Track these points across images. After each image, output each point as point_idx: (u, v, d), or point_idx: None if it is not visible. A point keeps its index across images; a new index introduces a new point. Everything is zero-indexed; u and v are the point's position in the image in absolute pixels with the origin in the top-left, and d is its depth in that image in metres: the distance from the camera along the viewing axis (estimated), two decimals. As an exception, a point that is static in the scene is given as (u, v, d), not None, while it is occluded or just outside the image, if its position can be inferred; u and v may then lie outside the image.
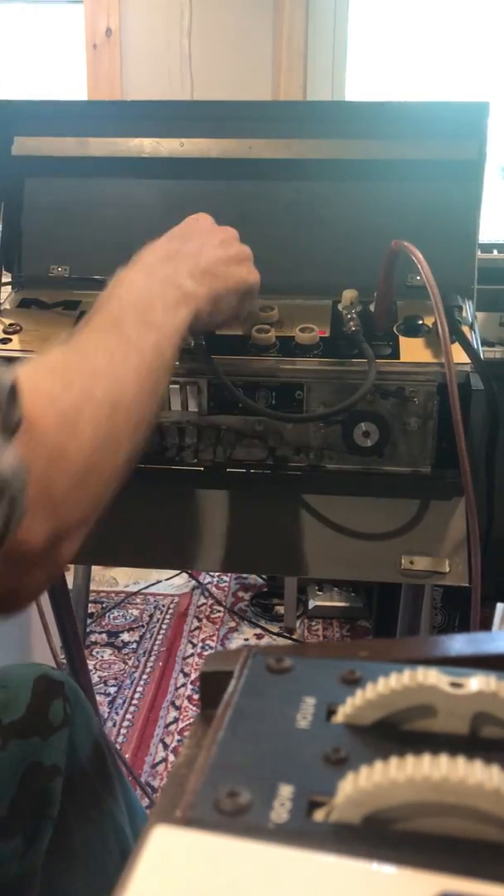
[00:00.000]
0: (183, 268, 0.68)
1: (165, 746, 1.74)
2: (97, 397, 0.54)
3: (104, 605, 2.27)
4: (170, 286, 0.66)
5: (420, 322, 0.81)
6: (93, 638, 2.11)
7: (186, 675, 1.97)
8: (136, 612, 2.25)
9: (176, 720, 1.82)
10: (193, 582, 2.37)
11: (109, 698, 1.88)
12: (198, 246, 0.71)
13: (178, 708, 1.86)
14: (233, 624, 2.20)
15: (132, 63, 2.22)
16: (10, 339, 0.83)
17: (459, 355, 0.76)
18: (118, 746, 1.69)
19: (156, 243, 0.70)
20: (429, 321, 0.80)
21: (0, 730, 0.75)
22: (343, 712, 0.31)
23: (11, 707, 0.77)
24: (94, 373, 0.56)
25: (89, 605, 2.05)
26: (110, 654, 2.06)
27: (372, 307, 0.82)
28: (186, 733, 1.72)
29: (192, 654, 2.06)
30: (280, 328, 0.82)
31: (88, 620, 2.11)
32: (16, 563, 0.48)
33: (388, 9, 2.23)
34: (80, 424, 0.52)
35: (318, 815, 0.27)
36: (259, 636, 2.15)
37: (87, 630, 2.09)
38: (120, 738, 1.75)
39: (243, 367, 0.79)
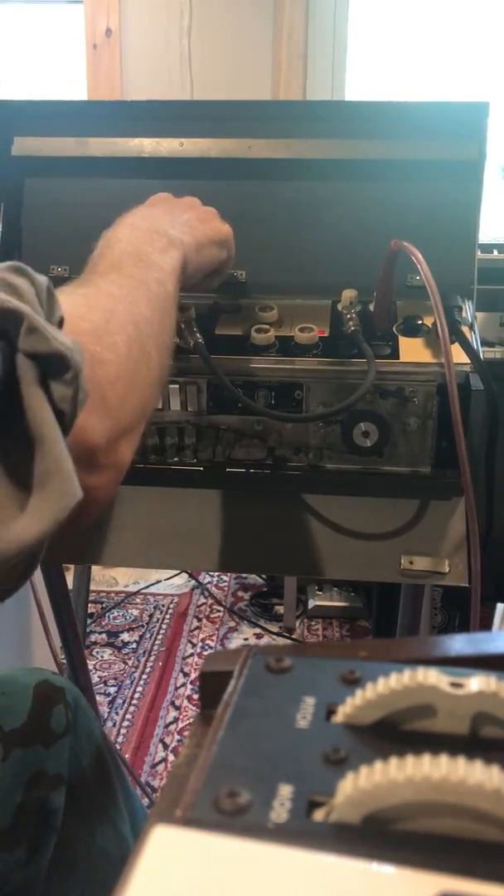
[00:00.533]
0: (163, 222, 0.71)
1: (165, 746, 1.74)
2: (120, 314, 0.57)
3: (104, 605, 2.27)
4: (156, 235, 0.68)
5: (420, 322, 0.81)
6: (93, 638, 2.11)
7: (186, 674, 1.97)
8: (135, 612, 2.25)
9: (176, 720, 1.82)
10: (193, 582, 2.37)
11: (109, 698, 1.88)
12: (168, 208, 0.75)
13: (177, 708, 1.86)
14: (232, 624, 2.20)
15: (132, 63, 2.22)
16: (10, 339, 0.83)
17: (459, 355, 0.76)
18: (118, 747, 1.69)
19: (128, 214, 0.72)
20: (428, 321, 0.80)
21: (1, 737, 0.74)
22: (343, 712, 0.31)
23: (12, 714, 0.76)
24: (112, 296, 0.58)
25: (89, 605, 2.05)
26: (110, 654, 2.06)
27: (371, 307, 0.82)
28: (186, 733, 1.72)
29: (191, 654, 2.06)
30: (279, 328, 0.82)
31: (88, 620, 2.11)
32: (81, 462, 0.47)
33: (388, 9, 2.23)
34: (111, 336, 0.55)
35: (318, 815, 0.27)
36: (259, 636, 2.15)
37: (87, 630, 2.09)
38: (120, 738, 1.75)
39: (243, 367, 0.79)
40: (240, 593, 2.33)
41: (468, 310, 0.83)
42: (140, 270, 0.63)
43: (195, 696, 1.74)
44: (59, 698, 0.79)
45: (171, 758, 1.70)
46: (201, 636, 2.14)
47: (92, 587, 2.25)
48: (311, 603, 2.19)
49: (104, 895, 0.78)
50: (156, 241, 0.68)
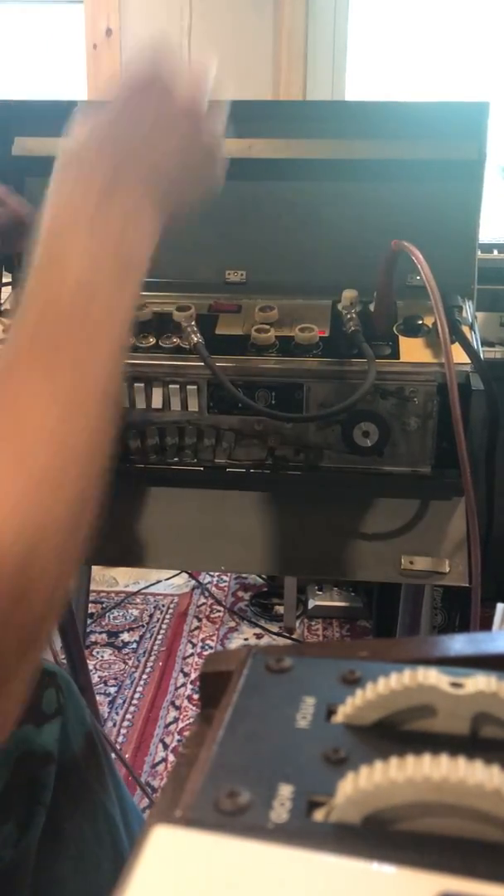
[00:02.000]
0: (129, 199, 0.50)
1: (165, 746, 1.74)
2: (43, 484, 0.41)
3: (104, 605, 2.27)
4: (115, 253, 0.49)
5: (420, 322, 0.81)
6: (93, 638, 2.11)
7: (186, 674, 1.97)
8: (136, 612, 2.25)
9: (176, 720, 1.82)
10: (193, 582, 2.37)
11: (109, 698, 1.88)
12: (149, 147, 0.53)
13: (178, 708, 1.86)
14: (232, 624, 2.20)
15: (132, 63, 2.22)
16: (10, 339, 0.83)
17: (459, 355, 0.76)
18: (118, 746, 1.69)
19: (89, 143, 0.53)
20: (429, 321, 0.80)
21: None
22: (343, 712, 0.31)
23: None
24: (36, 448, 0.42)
25: (89, 605, 2.05)
26: (110, 654, 2.06)
27: (372, 307, 0.82)
28: (186, 733, 1.72)
29: (191, 654, 2.06)
30: (280, 328, 0.82)
31: (88, 620, 2.11)
32: None
33: (388, 9, 2.23)
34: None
35: (318, 815, 0.27)
36: (259, 636, 2.15)
37: (87, 630, 2.09)
38: (120, 738, 1.75)
39: (243, 367, 0.79)
40: (240, 593, 2.33)
41: (468, 310, 0.83)
42: (83, 348, 0.45)
43: (195, 696, 1.74)
44: (51, 682, 0.80)
45: (171, 758, 1.70)
46: (201, 636, 2.14)
47: (92, 587, 2.25)
48: (311, 603, 2.19)
49: (92, 874, 0.78)
50: (114, 267, 0.48)
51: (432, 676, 0.30)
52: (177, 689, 1.92)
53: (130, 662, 2.03)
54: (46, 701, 0.79)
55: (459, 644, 0.37)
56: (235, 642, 2.11)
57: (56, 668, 0.84)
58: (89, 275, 0.48)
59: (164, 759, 1.70)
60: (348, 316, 0.80)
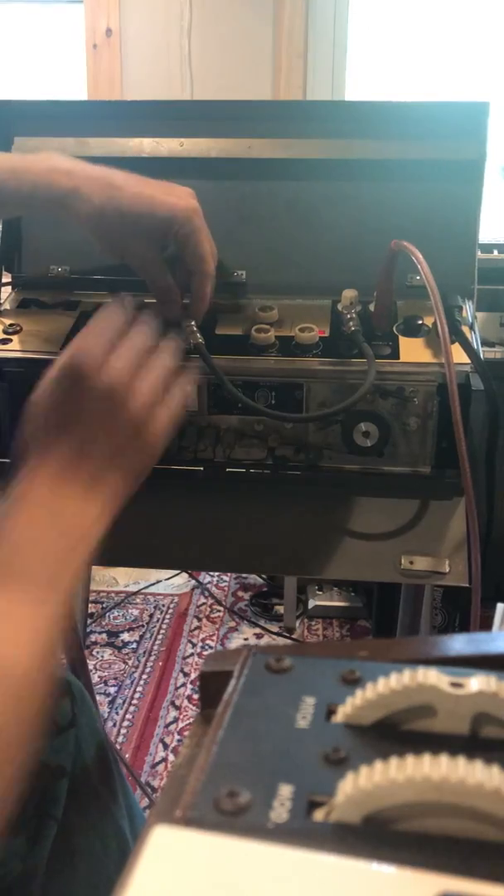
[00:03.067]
0: (78, 485, 0.57)
1: (165, 746, 1.74)
2: None
3: (104, 605, 2.27)
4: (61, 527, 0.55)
5: (420, 322, 0.81)
6: (93, 638, 2.11)
7: (186, 674, 1.97)
8: (136, 612, 2.25)
9: (176, 720, 1.82)
10: (193, 582, 2.37)
11: (109, 698, 1.88)
12: (79, 437, 0.58)
13: (178, 708, 1.86)
14: (233, 624, 2.20)
15: (132, 63, 2.22)
16: (11, 340, 0.83)
17: (459, 355, 0.76)
18: (118, 746, 1.69)
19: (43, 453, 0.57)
20: (429, 321, 0.80)
21: None
22: (343, 712, 0.31)
23: None
24: None
25: (89, 604, 2.05)
26: (110, 654, 2.06)
27: (372, 307, 0.82)
28: (186, 733, 1.72)
29: (192, 654, 2.06)
30: (280, 328, 0.82)
31: (88, 620, 2.11)
32: None
33: (388, 9, 2.23)
34: None
35: (318, 815, 0.27)
36: (259, 636, 2.15)
37: (87, 630, 2.09)
38: (120, 738, 1.75)
39: (243, 367, 0.79)
40: (240, 593, 2.33)
41: (468, 310, 0.83)
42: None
43: (195, 696, 1.74)
44: (66, 692, 0.79)
45: (171, 758, 1.70)
46: (201, 636, 2.14)
47: (92, 587, 2.25)
48: (311, 603, 2.19)
49: (101, 886, 0.78)
50: (62, 542, 0.54)
51: (432, 676, 0.30)
52: (177, 689, 1.92)
53: (130, 662, 2.03)
54: (61, 712, 0.78)
55: (459, 644, 0.37)
56: (235, 642, 2.11)
57: (71, 677, 0.83)
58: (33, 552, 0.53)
59: (164, 759, 1.70)
60: (348, 316, 0.80)
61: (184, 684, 1.94)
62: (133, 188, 0.72)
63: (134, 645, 2.10)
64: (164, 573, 2.38)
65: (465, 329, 0.78)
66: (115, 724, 1.79)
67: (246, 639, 2.14)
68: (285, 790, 0.27)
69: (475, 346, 0.77)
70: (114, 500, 0.60)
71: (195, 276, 0.76)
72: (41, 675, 0.48)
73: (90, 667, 1.79)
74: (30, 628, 0.49)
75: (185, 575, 2.39)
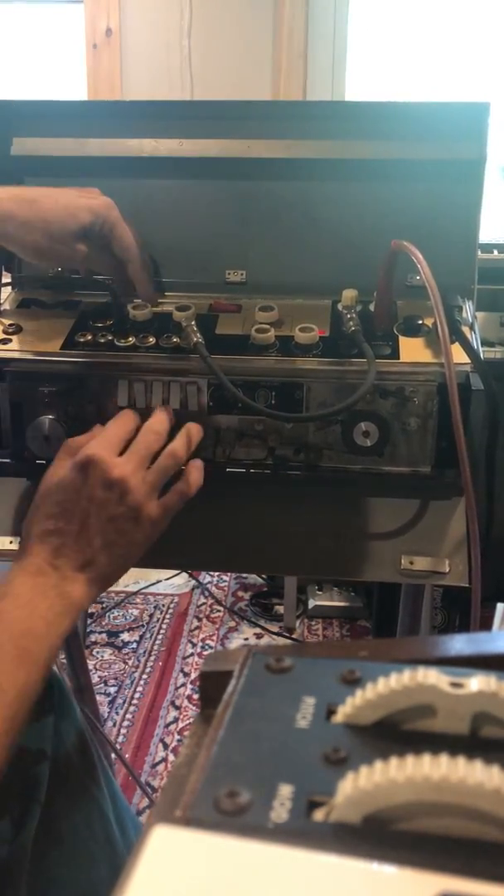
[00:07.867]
0: (67, 568, 0.67)
1: (165, 746, 1.74)
2: None
3: (104, 605, 2.27)
4: (52, 598, 0.65)
5: (420, 322, 0.81)
6: (93, 638, 2.11)
7: (186, 674, 1.97)
8: (136, 612, 2.25)
9: (176, 720, 1.82)
10: (193, 582, 2.37)
11: (109, 698, 1.88)
12: (82, 519, 0.68)
13: (178, 708, 1.86)
14: (233, 624, 2.20)
15: (132, 63, 2.22)
16: (10, 340, 0.83)
17: (459, 355, 0.76)
18: (118, 746, 1.69)
19: (33, 539, 0.68)
20: (429, 321, 0.80)
21: None
22: (343, 712, 0.31)
23: None
24: None
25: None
26: (110, 654, 2.06)
27: (372, 307, 0.82)
28: (186, 733, 1.72)
29: (192, 654, 2.06)
30: (280, 328, 0.82)
31: (88, 620, 2.11)
32: None
33: (388, 9, 2.23)
34: None
35: (318, 815, 0.27)
36: (259, 636, 2.15)
37: (87, 630, 2.09)
38: (120, 738, 1.75)
39: (243, 367, 0.79)
40: (240, 593, 2.33)
41: (468, 310, 0.83)
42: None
43: (195, 696, 1.74)
44: None
45: (171, 758, 1.70)
46: (201, 636, 2.14)
47: (92, 587, 2.24)
48: (311, 603, 2.19)
49: (87, 870, 0.79)
50: (50, 610, 0.64)
51: (432, 676, 0.30)
52: (177, 689, 1.92)
53: (130, 662, 2.03)
54: (38, 698, 0.79)
55: (459, 644, 0.37)
56: (235, 642, 2.11)
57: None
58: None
59: (164, 759, 1.70)
60: (348, 316, 0.80)
61: (184, 684, 1.94)
62: (49, 199, 0.76)
63: (134, 645, 2.10)
64: (164, 573, 2.38)
65: (465, 329, 0.78)
66: (115, 724, 1.79)
67: (246, 639, 2.14)
68: (285, 790, 0.27)
69: (475, 346, 0.77)
70: (104, 582, 0.69)
71: (128, 265, 0.82)
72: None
73: (90, 667, 1.79)
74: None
75: (185, 575, 2.39)
